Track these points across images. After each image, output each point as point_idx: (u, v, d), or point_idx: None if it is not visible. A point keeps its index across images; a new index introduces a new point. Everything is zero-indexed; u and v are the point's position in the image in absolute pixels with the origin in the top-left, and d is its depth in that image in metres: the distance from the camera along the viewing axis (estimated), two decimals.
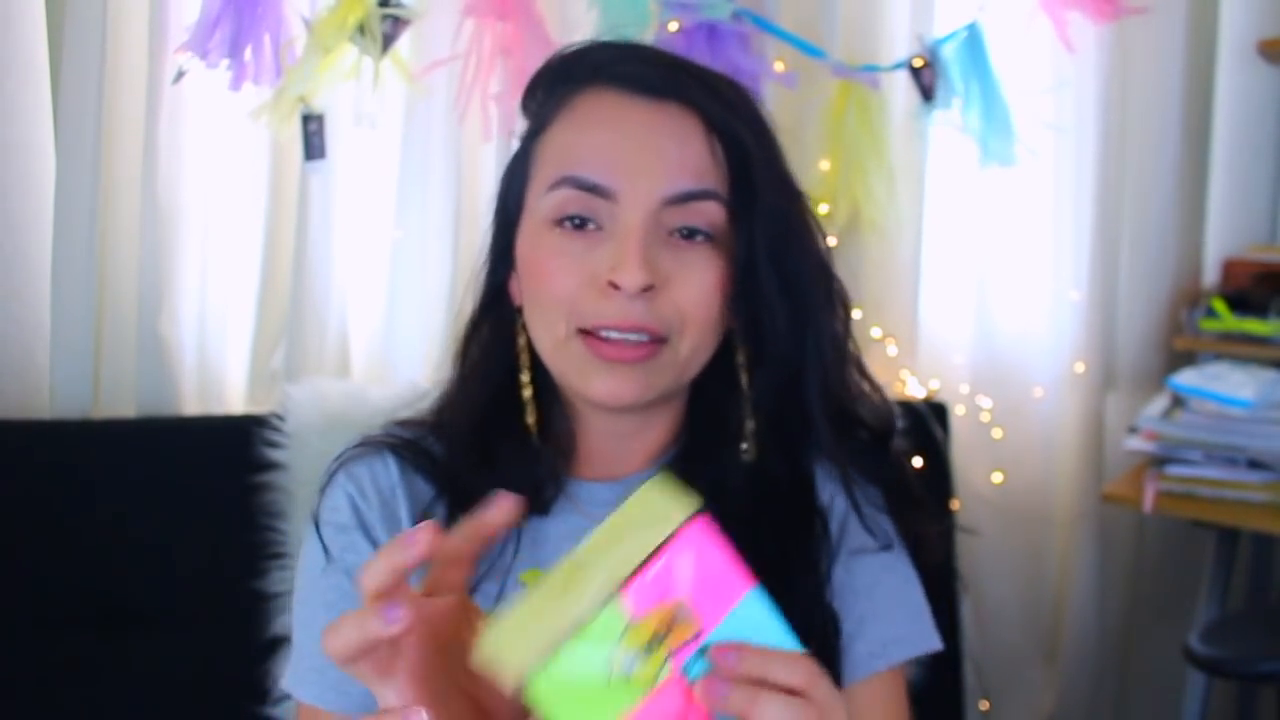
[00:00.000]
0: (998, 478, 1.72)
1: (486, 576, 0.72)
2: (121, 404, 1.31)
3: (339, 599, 0.73)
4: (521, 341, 0.76)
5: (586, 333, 0.69)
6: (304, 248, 1.35)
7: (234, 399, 1.39)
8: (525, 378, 0.76)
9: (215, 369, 1.37)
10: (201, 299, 1.35)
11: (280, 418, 1.24)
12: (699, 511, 0.49)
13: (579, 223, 0.70)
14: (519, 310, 0.76)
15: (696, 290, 0.69)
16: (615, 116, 0.71)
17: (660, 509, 0.49)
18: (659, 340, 0.69)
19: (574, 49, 0.76)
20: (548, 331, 0.71)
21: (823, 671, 0.49)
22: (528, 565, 0.73)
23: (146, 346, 1.30)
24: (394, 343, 1.44)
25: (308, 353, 1.37)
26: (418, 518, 0.75)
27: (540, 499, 0.74)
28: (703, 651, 0.48)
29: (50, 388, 1.27)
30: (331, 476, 0.77)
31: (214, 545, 1.23)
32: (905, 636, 0.77)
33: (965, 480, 1.68)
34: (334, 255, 1.39)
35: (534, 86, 0.77)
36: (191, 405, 1.35)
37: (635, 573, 0.47)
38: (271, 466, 1.23)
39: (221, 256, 1.36)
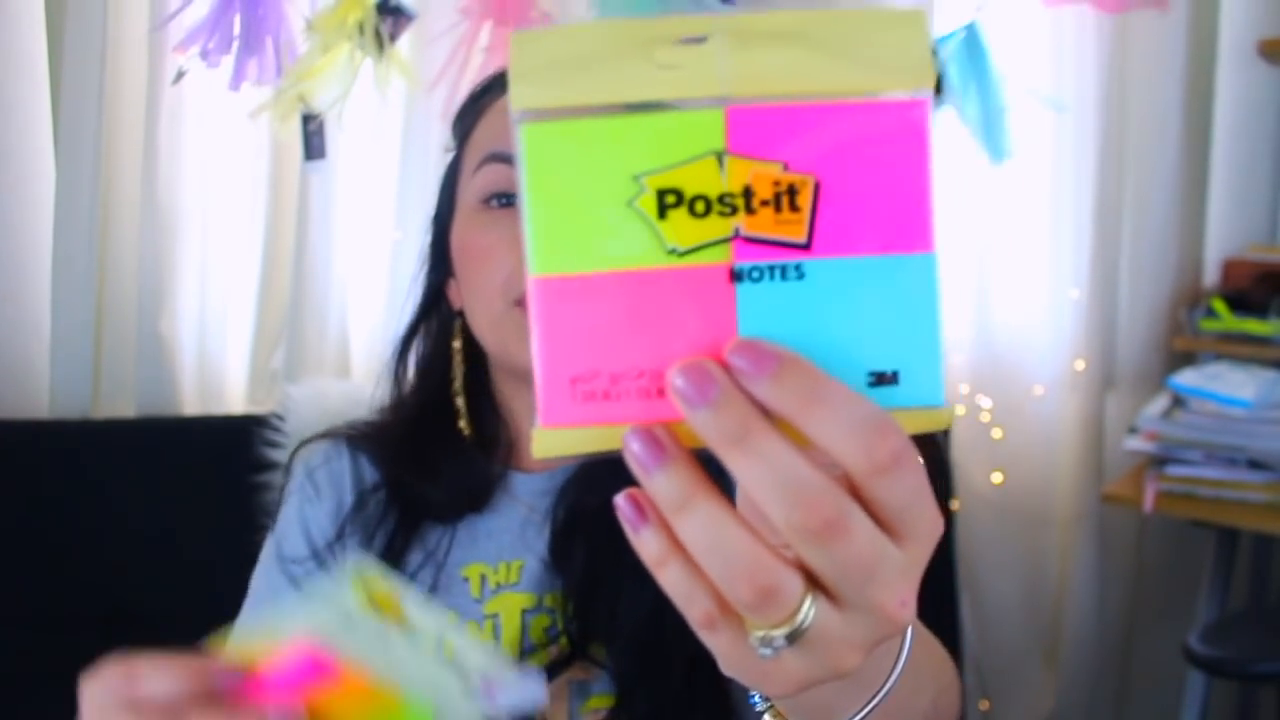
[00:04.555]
0: (998, 478, 1.72)
1: (422, 567, 0.74)
2: (121, 404, 1.31)
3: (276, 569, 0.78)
4: (456, 345, 0.78)
5: (523, 303, 0.69)
6: (304, 248, 1.35)
7: (234, 399, 1.39)
8: (458, 384, 0.78)
9: (215, 369, 1.37)
10: (201, 299, 1.35)
11: (280, 418, 1.24)
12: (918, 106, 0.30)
13: (506, 200, 0.71)
14: (459, 314, 0.77)
15: None
16: None
17: (898, 53, 0.30)
18: None
19: (494, 73, 0.80)
20: (485, 310, 0.71)
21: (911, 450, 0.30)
22: (466, 560, 0.74)
23: (146, 346, 1.30)
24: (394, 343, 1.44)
25: (308, 353, 1.37)
26: (358, 499, 0.78)
27: (477, 500, 0.76)
28: (786, 271, 0.30)
29: (50, 388, 1.27)
30: (290, 462, 0.83)
31: (214, 545, 1.23)
32: None
33: (965, 480, 1.68)
34: (334, 255, 1.39)
35: (460, 109, 0.80)
36: (191, 405, 1.35)
37: (777, 99, 0.30)
38: (271, 466, 1.23)
39: (221, 256, 1.36)
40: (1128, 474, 1.61)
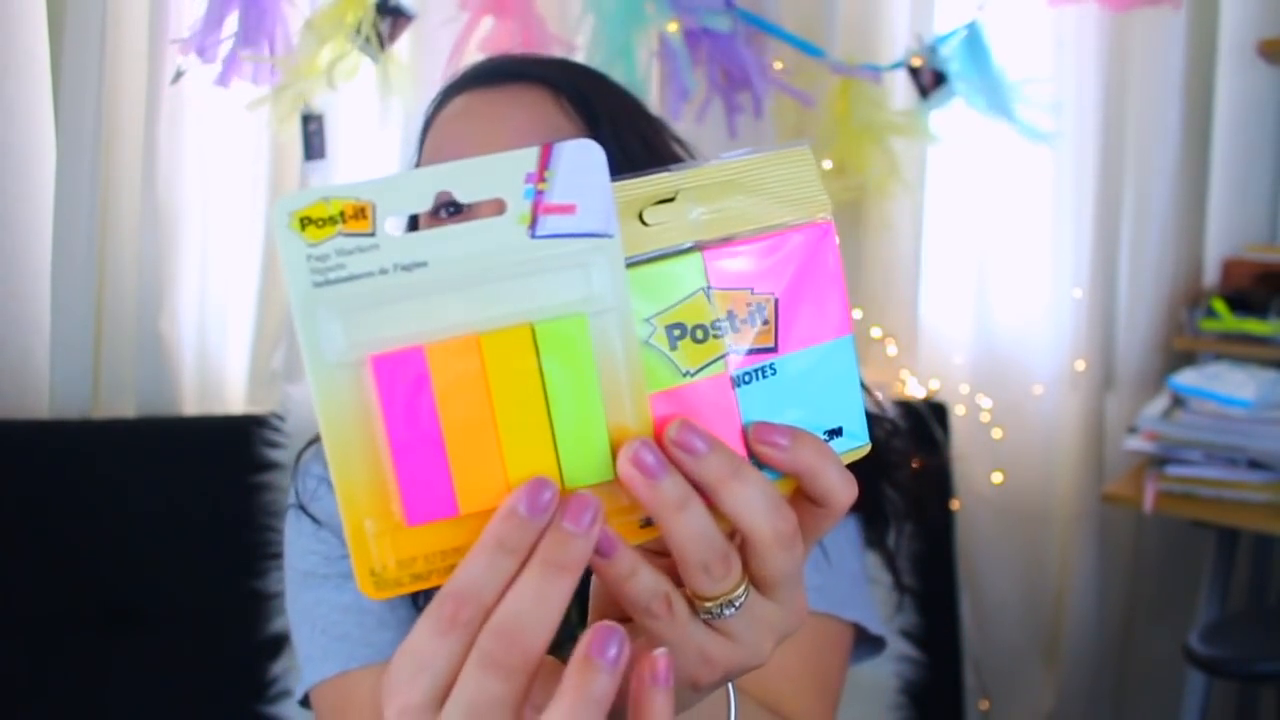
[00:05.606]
0: (998, 478, 1.72)
1: None
2: (121, 404, 1.31)
3: (338, 556, 0.76)
4: None
5: None
6: None
7: (234, 399, 1.39)
8: None
9: (215, 369, 1.37)
10: (201, 299, 1.35)
11: (280, 418, 1.24)
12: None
13: (454, 209, 0.71)
14: None
15: None
16: (464, 110, 0.74)
17: (804, 187, 0.39)
18: None
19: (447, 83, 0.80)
20: None
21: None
22: None
23: (146, 346, 1.30)
24: None
25: None
26: None
27: None
28: (765, 371, 0.39)
29: (50, 388, 1.27)
30: (300, 461, 0.82)
31: (214, 545, 1.23)
32: (832, 590, 0.75)
33: (965, 480, 1.68)
34: None
35: (425, 116, 0.80)
36: (191, 405, 1.35)
37: (734, 237, 0.38)
38: (271, 466, 1.23)
39: (221, 256, 1.36)
40: (1128, 474, 1.61)
